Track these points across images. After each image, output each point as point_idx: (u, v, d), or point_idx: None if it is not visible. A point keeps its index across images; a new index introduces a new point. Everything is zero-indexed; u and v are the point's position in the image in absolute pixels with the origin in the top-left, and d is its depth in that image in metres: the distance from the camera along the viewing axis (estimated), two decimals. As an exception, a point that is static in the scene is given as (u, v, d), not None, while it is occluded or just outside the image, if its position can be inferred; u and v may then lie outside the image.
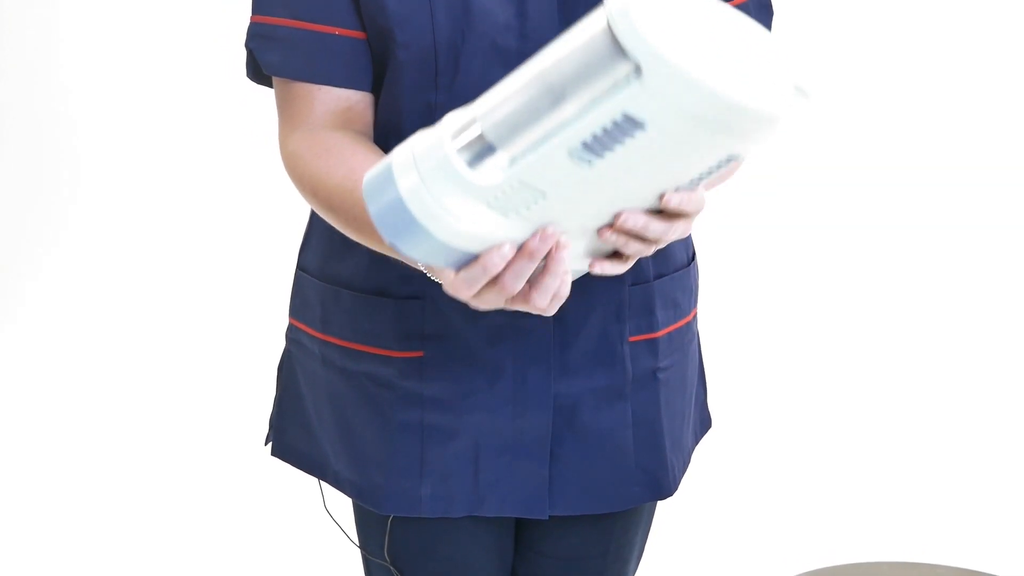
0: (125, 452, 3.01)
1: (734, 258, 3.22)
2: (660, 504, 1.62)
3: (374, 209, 0.96)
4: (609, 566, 1.46)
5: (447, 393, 1.28)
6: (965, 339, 3.30)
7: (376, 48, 1.23)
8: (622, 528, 1.44)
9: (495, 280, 0.98)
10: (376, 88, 1.25)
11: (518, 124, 0.91)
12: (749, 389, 3.06)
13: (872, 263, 3.38)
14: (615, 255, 1.04)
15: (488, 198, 0.93)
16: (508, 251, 0.95)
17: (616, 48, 0.87)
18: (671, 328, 1.36)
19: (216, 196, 3.42)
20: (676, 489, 1.40)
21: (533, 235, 0.96)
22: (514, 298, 1.00)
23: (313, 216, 1.39)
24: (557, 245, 0.96)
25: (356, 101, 1.25)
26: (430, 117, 1.21)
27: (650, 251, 1.02)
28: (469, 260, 0.97)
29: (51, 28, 3.45)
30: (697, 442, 1.50)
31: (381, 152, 1.22)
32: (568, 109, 0.89)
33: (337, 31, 1.22)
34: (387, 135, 1.24)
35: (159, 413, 3.15)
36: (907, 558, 2.54)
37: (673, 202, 0.96)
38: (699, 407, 1.49)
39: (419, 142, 0.95)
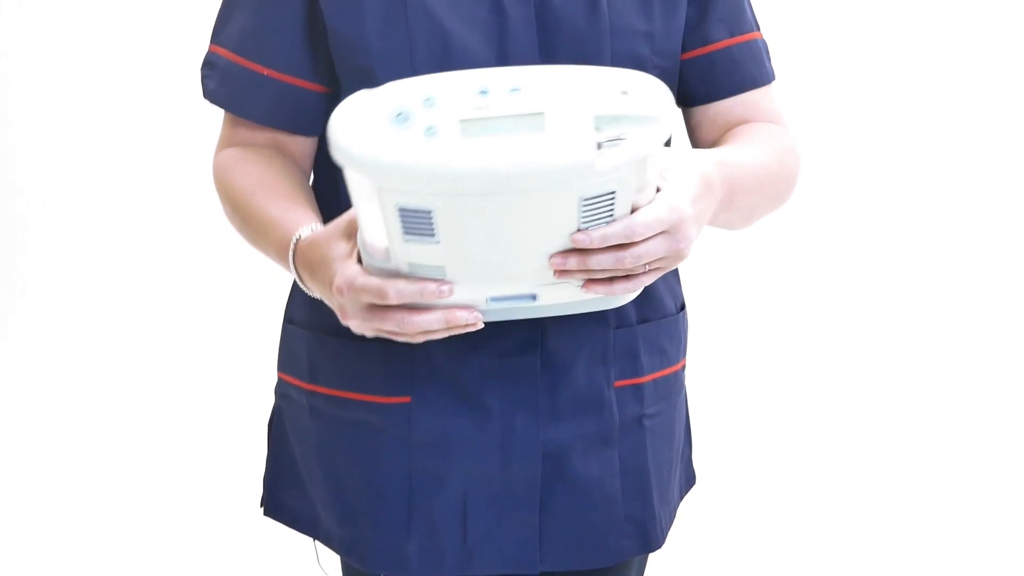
0: (118, 516, 2.99)
1: (725, 313, 3.23)
2: (650, 556, 1.62)
3: None
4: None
5: (435, 438, 1.29)
6: (956, 390, 3.29)
7: (351, 92, 1.27)
8: (612, 583, 1.45)
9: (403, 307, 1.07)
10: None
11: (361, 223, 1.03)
12: (736, 444, 3.07)
13: (866, 329, 3.36)
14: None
15: (404, 272, 1.04)
16: (448, 291, 1.04)
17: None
18: (656, 375, 1.37)
19: (201, 258, 3.41)
20: (663, 542, 1.40)
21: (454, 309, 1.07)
22: (385, 323, 1.09)
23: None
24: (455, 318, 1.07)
25: (282, 140, 1.33)
26: None
27: (634, 284, 1.09)
28: None
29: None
30: (682, 498, 1.50)
31: (296, 173, 1.31)
32: (369, 207, 0.99)
33: (266, 71, 1.30)
34: None
35: (151, 474, 3.13)
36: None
37: (582, 241, 1.02)
38: (684, 462, 1.49)
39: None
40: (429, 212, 0.95)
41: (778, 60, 1.45)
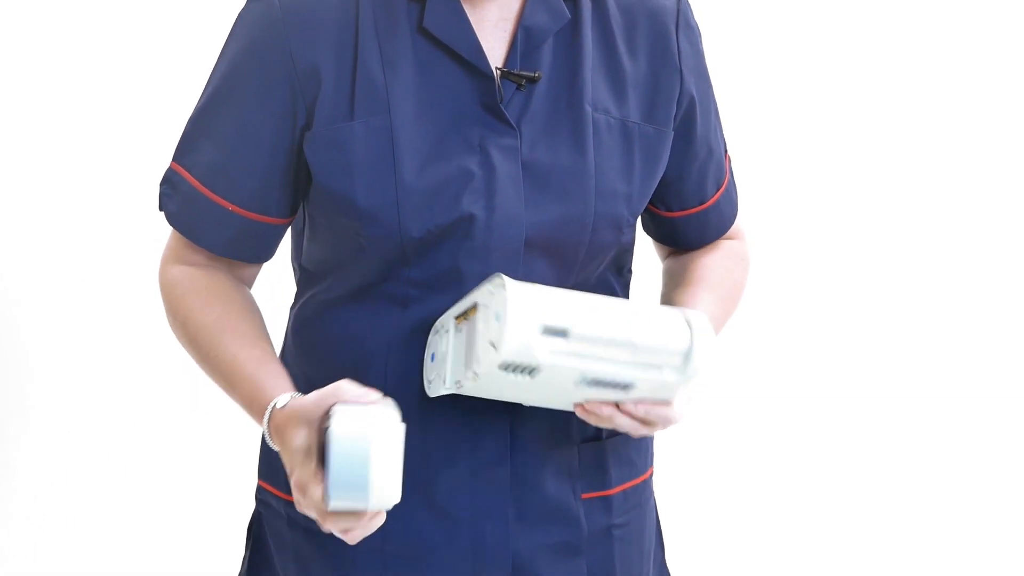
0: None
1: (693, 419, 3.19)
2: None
3: (337, 468, 1.12)
4: None
5: (407, 549, 1.33)
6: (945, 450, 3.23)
7: (338, 231, 1.31)
8: None
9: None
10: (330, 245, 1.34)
11: None
12: (708, 546, 3.06)
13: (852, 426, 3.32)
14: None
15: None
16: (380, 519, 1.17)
17: None
18: (625, 486, 1.41)
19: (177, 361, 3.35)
20: None
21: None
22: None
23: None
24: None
25: (235, 264, 1.36)
26: (404, 286, 1.30)
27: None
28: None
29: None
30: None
31: (253, 300, 1.36)
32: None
33: (231, 207, 1.31)
34: (362, 294, 1.32)
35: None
36: None
37: (631, 411, 1.23)
38: (658, 567, 1.52)
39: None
40: (535, 368, 1.17)
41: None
